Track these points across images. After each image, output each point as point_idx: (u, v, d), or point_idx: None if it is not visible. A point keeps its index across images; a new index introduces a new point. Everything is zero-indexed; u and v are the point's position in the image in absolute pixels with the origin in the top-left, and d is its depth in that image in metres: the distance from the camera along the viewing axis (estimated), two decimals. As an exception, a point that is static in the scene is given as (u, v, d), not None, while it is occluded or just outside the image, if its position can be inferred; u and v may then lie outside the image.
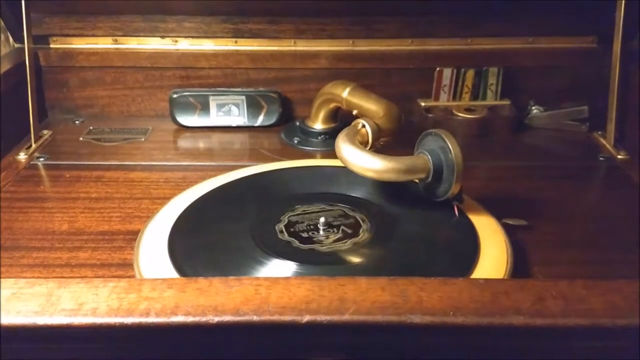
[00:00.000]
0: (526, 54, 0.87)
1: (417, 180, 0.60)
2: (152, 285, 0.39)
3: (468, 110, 0.83)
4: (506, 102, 0.85)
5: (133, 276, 0.52)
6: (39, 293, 0.38)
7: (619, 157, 0.76)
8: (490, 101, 0.85)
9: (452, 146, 0.56)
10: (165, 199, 0.63)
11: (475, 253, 0.52)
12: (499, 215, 0.59)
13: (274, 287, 0.39)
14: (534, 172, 0.73)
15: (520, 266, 0.53)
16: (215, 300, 0.37)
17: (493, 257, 0.52)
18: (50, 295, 0.38)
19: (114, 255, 0.56)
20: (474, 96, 0.85)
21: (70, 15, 0.85)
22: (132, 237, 0.57)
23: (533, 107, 0.84)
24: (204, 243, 0.55)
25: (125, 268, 0.54)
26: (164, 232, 0.55)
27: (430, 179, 0.58)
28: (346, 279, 0.39)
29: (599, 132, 0.81)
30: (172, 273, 0.50)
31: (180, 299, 0.38)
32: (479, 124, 0.82)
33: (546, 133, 0.83)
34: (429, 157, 0.57)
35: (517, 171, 0.73)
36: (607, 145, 0.78)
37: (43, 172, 0.72)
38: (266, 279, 0.40)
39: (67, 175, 0.71)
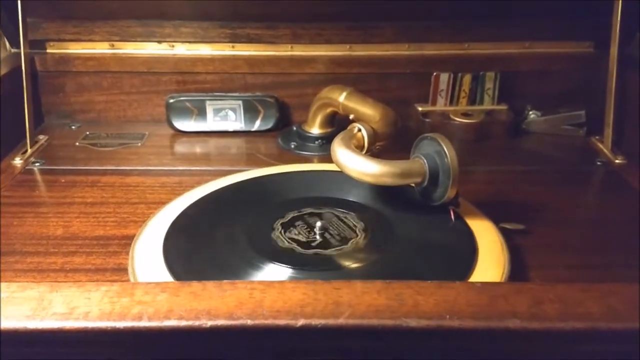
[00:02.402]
0: (523, 58, 0.87)
1: (413, 185, 0.59)
2: (145, 289, 0.38)
3: (465, 115, 0.83)
4: (503, 106, 0.85)
5: (128, 281, 0.51)
6: (30, 297, 0.38)
7: (617, 161, 0.76)
8: (487, 106, 0.85)
9: (448, 150, 0.55)
10: (161, 203, 0.63)
11: (472, 257, 0.52)
12: (496, 220, 0.58)
13: (268, 290, 0.38)
14: (531, 176, 0.73)
15: (517, 271, 0.53)
16: (209, 304, 0.37)
17: (490, 261, 0.52)
18: (42, 300, 0.37)
19: (108, 260, 0.55)
20: (471, 101, 0.85)
21: (67, 20, 0.85)
22: (127, 242, 0.57)
23: (530, 112, 0.84)
24: (199, 248, 0.54)
25: (120, 273, 0.54)
26: (159, 237, 0.55)
27: (426, 183, 0.57)
28: (341, 282, 0.39)
29: (597, 137, 0.81)
30: (167, 278, 0.49)
31: (173, 302, 0.37)
32: (476, 129, 0.82)
33: (543, 138, 0.83)
34: (425, 161, 0.57)
35: (515, 175, 0.73)
36: (605, 150, 0.78)
37: (39, 177, 0.72)
38: (260, 282, 0.40)
39: (63, 180, 0.70)
